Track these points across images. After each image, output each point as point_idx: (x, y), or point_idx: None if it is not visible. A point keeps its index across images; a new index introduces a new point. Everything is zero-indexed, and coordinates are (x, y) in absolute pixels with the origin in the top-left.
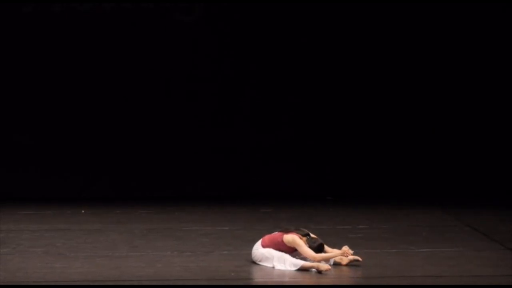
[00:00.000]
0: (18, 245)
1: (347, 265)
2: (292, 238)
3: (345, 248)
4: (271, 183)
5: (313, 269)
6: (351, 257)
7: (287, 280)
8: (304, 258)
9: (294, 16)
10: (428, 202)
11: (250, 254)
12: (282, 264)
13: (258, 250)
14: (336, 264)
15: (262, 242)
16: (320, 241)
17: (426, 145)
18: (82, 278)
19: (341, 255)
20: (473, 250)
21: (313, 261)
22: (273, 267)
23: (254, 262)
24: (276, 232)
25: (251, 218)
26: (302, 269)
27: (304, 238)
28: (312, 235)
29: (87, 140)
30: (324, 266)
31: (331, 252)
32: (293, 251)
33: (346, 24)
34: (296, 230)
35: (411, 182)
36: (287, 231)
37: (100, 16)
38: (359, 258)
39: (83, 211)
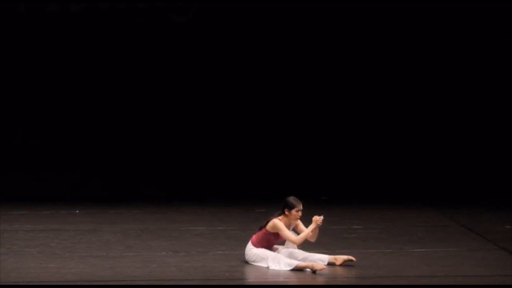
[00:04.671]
0: (13, 245)
1: (341, 265)
2: (273, 223)
3: (314, 218)
4: (266, 183)
5: (308, 269)
6: (345, 257)
7: (281, 280)
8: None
9: (288, 17)
10: (423, 202)
11: (244, 254)
12: (276, 264)
13: (251, 250)
14: (331, 264)
15: (252, 242)
16: (289, 200)
17: (422, 146)
18: (77, 278)
19: (315, 226)
20: (467, 250)
21: (295, 244)
22: (268, 267)
23: (248, 263)
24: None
25: (245, 218)
26: (296, 269)
27: (281, 217)
28: (284, 210)
29: (81, 140)
30: (318, 265)
31: (305, 230)
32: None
33: (342, 23)
34: (273, 216)
35: (406, 182)
36: (267, 222)
37: (95, 16)
38: (354, 258)
39: (77, 211)
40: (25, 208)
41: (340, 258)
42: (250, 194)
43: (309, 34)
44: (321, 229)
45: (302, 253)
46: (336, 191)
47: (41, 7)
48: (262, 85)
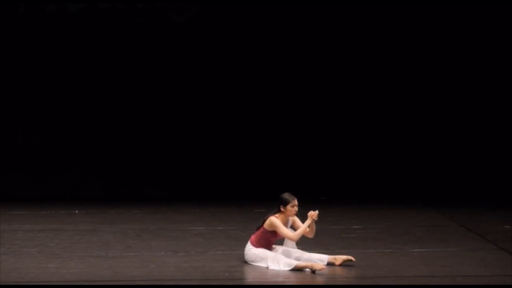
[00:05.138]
0: (12, 245)
1: (341, 265)
2: (269, 221)
3: (309, 213)
4: (266, 183)
5: (307, 269)
6: (344, 257)
7: (281, 280)
8: (296, 257)
9: (288, 17)
10: (422, 203)
11: (243, 254)
12: (276, 264)
13: (251, 250)
14: (330, 264)
15: (251, 242)
16: (284, 197)
17: (422, 146)
18: (76, 278)
19: (311, 221)
20: (467, 250)
21: (292, 240)
22: (267, 267)
23: (247, 263)
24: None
25: (245, 218)
26: (296, 269)
27: (278, 214)
28: (280, 207)
29: (81, 140)
30: (318, 265)
31: (301, 226)
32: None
33: (342, 24)
34: (269, 214)
35: (406, 182)
36: (264, 220)
37: (95, 16)
38: (353, 258)
39: (76, 211)
40: (25, 208)
41: (340, 258)
42: (250, 194)
43: (309, 34)
44: (321, 229)
45: (300, 253)
46: (336, 191)
47: (41, 7)
48: (262, 85)
